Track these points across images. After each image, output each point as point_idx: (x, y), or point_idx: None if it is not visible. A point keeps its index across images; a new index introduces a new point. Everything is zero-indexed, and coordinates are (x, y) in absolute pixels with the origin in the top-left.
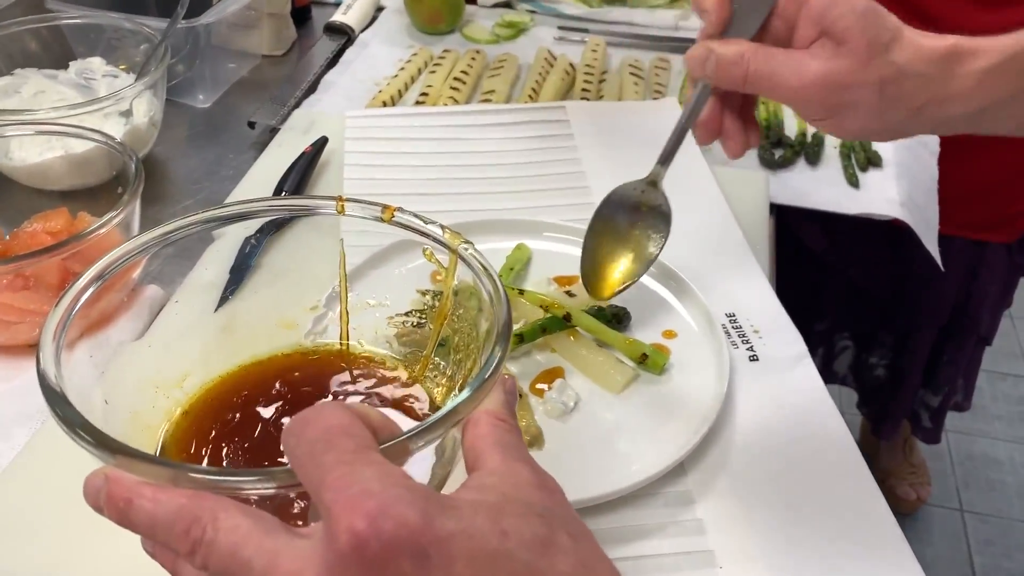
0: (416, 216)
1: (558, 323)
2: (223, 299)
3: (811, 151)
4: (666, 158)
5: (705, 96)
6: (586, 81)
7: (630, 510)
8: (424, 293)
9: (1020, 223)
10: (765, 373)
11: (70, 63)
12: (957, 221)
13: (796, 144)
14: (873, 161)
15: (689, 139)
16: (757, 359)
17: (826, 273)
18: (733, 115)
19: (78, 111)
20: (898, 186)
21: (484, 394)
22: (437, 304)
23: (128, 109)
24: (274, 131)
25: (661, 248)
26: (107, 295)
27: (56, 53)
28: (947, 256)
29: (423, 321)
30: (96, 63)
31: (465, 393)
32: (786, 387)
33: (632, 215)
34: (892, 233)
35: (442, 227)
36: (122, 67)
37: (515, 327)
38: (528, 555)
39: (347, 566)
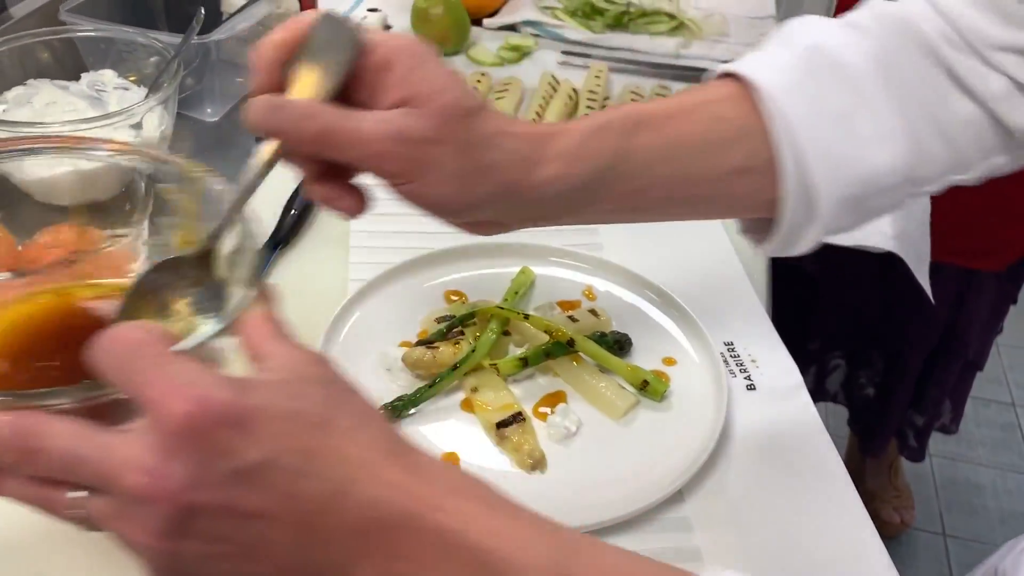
0: None
1: (561, 348)
2: None
3: None
4: (217, 233)
5: (270, 163)
6: (589, 107)
7: (629, 535)
8: (440, 320)
9: (1009, 252)
10: (762, 402)
11: (82, 75)
12: (947, 248)
13: None
14: None
15: None
16: (754, 388)
17: (819, 294)
18: (330, 181)
19: (90, 125)
20: (892, 219)
21: (257, 300)
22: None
23: (139, 122)
24: None
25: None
26: None
27: (68, 64)
28: (937, 282)
29: (436, 346)
30: (108, 75)
31: (241, 303)
32: (782, 417)
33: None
34: (884, 258)
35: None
36: (131, 78)
37: (519, 351)
38: (318, 409)
39: (181, 442)
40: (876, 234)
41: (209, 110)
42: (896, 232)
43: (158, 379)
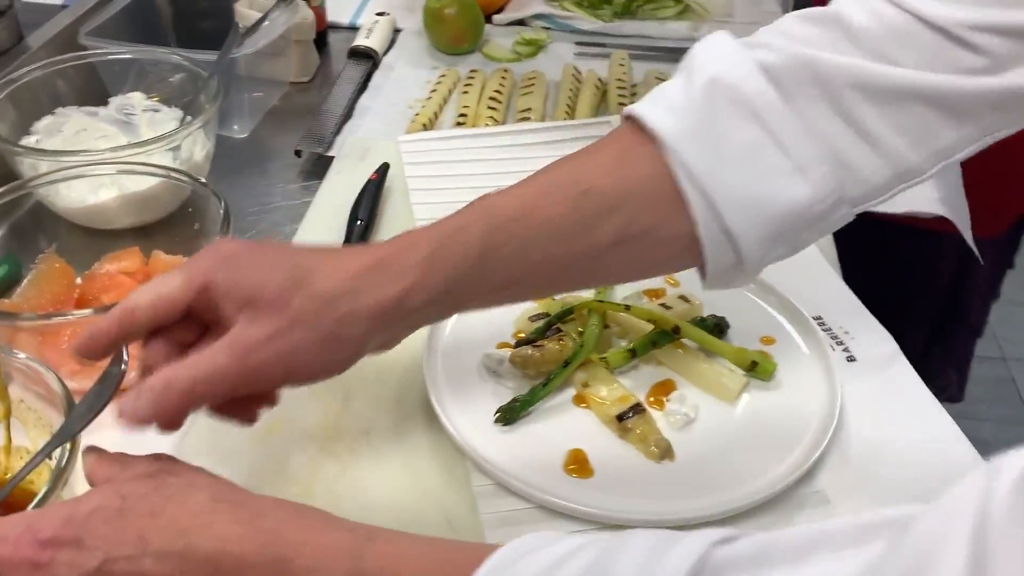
0: None
1: (667, 336)
2: None
3: None
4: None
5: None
6: (620, 95)
7: (768, 516)
8: (534, 319)
9: (1008, 216)
10: (864, 373)
11: (110, 99)
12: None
13: None
14: None
15: None
16: (855, 359)
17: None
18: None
19: (135, 151)
20: (935, 184)
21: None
22: (554, 329)
23: (178, 145)
24: (320, 158)
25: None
26: None
27: (91, 89)
28: (938, 254)
29: (541, 345)
30: (136, 98)
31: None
32: (887, 385)
33: None
34: (889, 235)
35: None
36: (155, 98)
37: (623, 343)
38: (144, 502)
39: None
40: (923, 200)
41: (236, 126)
42: (942, 196)
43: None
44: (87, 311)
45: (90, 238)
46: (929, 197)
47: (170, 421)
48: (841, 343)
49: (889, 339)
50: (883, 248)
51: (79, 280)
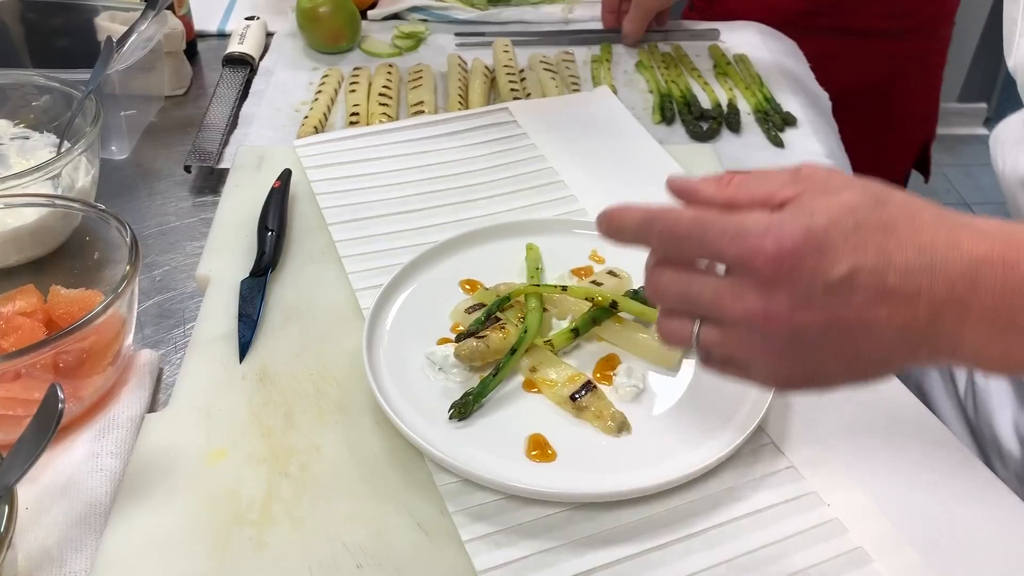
0: None
1: (606, 312)
2: (243, 348)
3: (731, 120)
4: None
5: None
6: (511, 81)
7: (727, 473)
8: (470, 311)
9: (896, 171)
10: None
11: None
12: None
13: (716, 115)
14: (788, 121)
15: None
16: None
17: None
18: None
19: (14, 183)
20: (817, 140)
21: None
22: (493, 318)
23: (58, 174)
24: (212, 172)
25: None
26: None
27: None
28: None
29: (484, 335)
30: (2, 126)
31: None
32: None
33: None
34: None
35: None
36: (20, 124)
37: (565, 322)
38: (873, 215)
39: (777, 278)
40: (809, 156)
41: (114, 148)
42: (826, 152)
43: (736, 235)
44: None
45: None
46: (815, 153)
47: None
48: None
49: None
50: None
51: None
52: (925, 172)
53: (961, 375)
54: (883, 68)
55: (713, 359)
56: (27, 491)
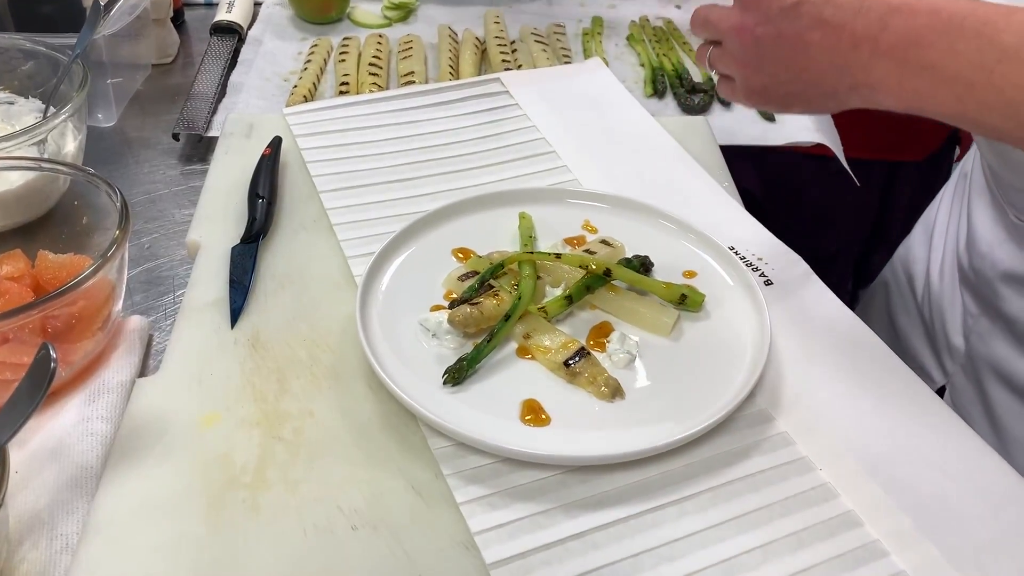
0: None
1: (600, 280)
2: (235, 314)
3: None
4: None
5: None
6: (502, 52)
7: (720, 439)
8: (463, 278)
9: (928, 142)
10: (783, 295)
11: None
12: (872, 145)
13: (708, 88)
14: None
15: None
16: (772, 283)
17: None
18: None
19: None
20: (808, 116)
21: None
22: (486, 285)
23: (43, 139)
24: (200, 140)
25: None
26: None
27: None
28: (866, 178)
29: (478, 302)
30: None
31: None
32: (805, 302)
33: None
34: (814, 167)
35: None
36: (5, 89)
37: (558, 290)
38: None
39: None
40: (801, 130)
41: (100, 115)
42: (817, 126)
43: None
44: None
45: None
46: (806, 127)
47: None
48: (757, 269)
49: (800, 261)
50: (811, 182)
51: None
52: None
53: (920, 282)
54: None
55: (721, 80)
56: (16, 455)
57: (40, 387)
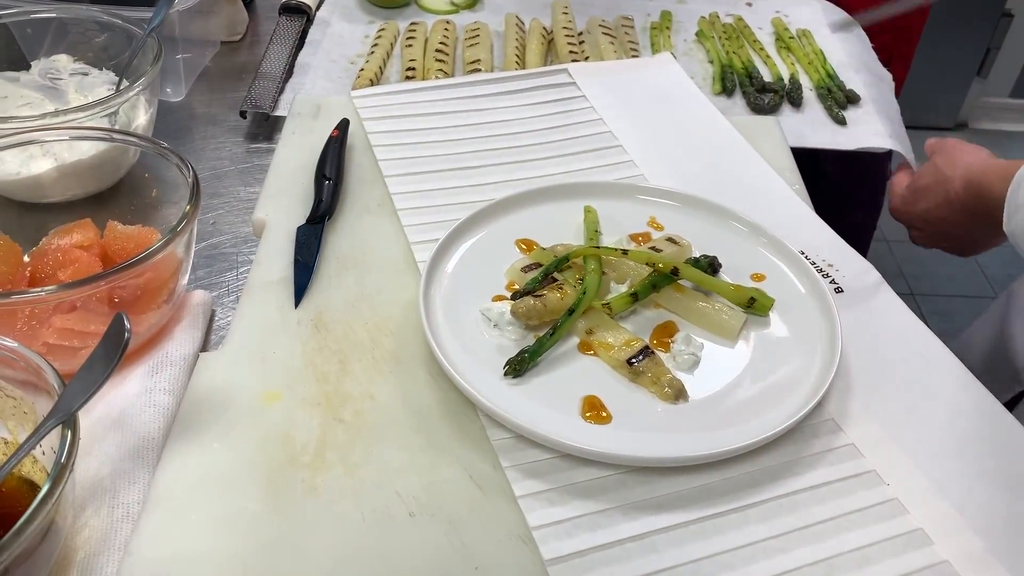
0: None
1: (666, 278)
2: (299, 294)
3: (793, 95)
4: None
5: None
6: (569, 43)
7: (786, 447)
8: (526, 270)
9: None
10: (853, 303)
11: (32, 63)
12: None
13: (779, 89)
14: (851, 99)
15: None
16: (842, 291)
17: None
18: None
19: (69, 117)
20: (880, 120)
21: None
22: (549, 278)
23: (115, 111)
24: (267, 118)
25: None
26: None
27: (4, 53)
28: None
29: (541, 294)
30: (62, 61)
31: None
32: (876, 313)
33: None
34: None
35: None
36: (80, 60)
37: (622, 287)
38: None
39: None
40: (872, 135)
41: (169, 89)
42: (889, 131)
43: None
44: (52, 287)
45: (31, 213)
46: (878, 132)
47: None
48: (827, 276)
49: (872, 269)
50: (858, 179)
51: (27, 258)
52: None
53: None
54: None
55: (917, 240)
56: (81, 423)
57: (113, 356)
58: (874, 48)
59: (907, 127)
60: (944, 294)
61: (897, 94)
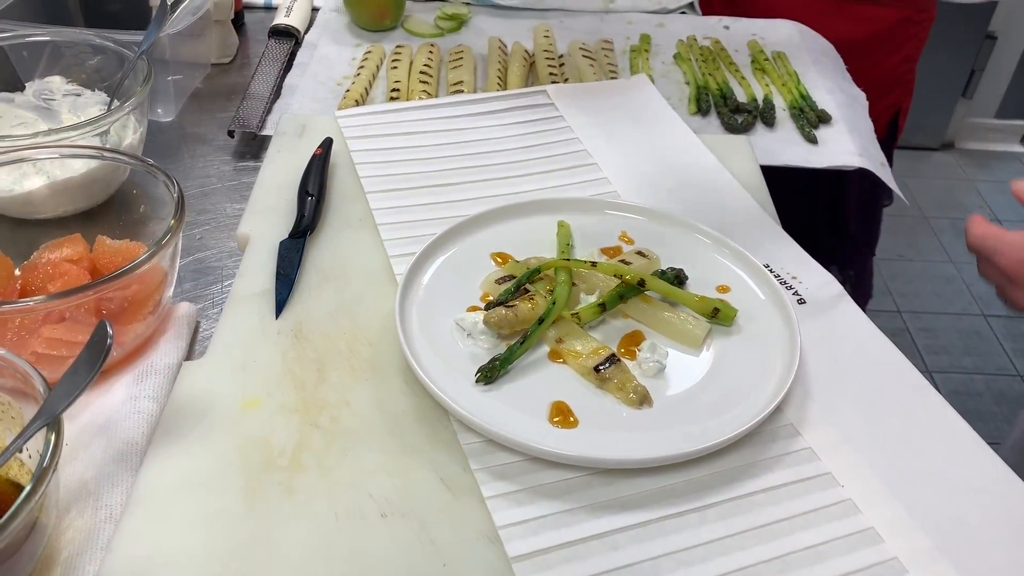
0: None
1: (633, 289)
2: (280, 305)
3: (766, 114)
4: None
5: None
6: (550, 66)
7: (745, 450)
8: (500, 281)
9: None
10: (815, 313)
11: (27, 84)
12: None
13: (753, 109)
14: (823, 119)
15: (680, 117)
16: (804, 302)
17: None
18: None
19: (58, 136)
20: (851, 139)
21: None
22: (522, 290)
23: (106, 130)
24: (253, 138)
25: None
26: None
27: (1, 75)
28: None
29: (513, 305)
30: (56, 82)
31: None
32: (836, 322)
33: None
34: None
35: None
36: (73, 82)
37: (592, 298)
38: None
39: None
40: (843, 154)
41: (160, 110)
42: (859, 150)
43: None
44: (40, 298)
45: (23, 228)
46: (848, 151)
47: None
48: (790, 287)
49: (833, 281)
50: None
51: (18, 272)
52: (892, 143)
53: None
54: (862, 29)
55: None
56: (67, 429)
57: (96, 361)
58: (876, 76)
59: (896, 147)
60: (931, 311)
61: (901, 121)
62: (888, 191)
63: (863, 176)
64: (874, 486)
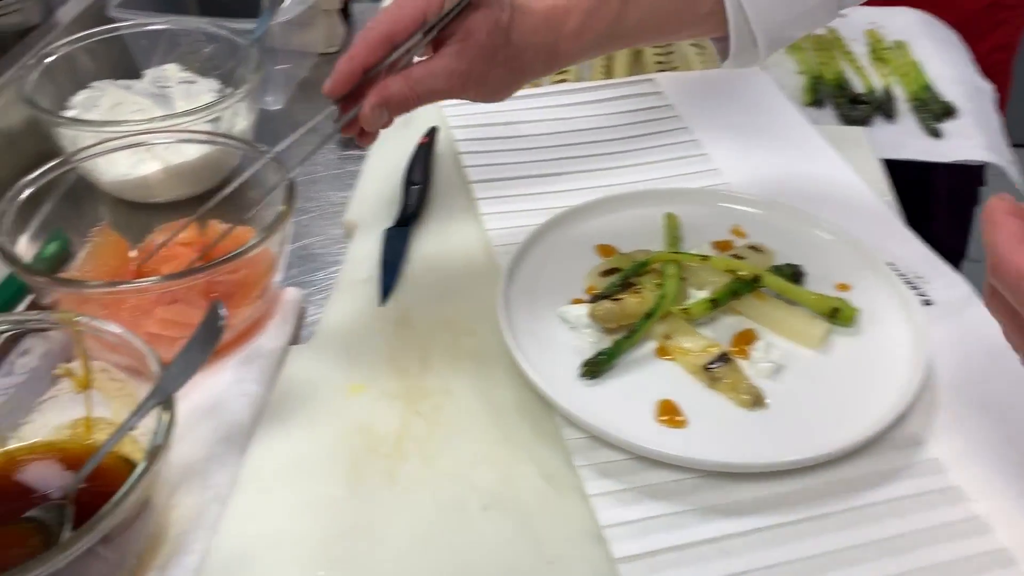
0: None
1: (747, 286)
2: (385, 293)
3: (886, 106)
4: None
5: None
6: (656, 54)
7: (865, 458)
8: (605, 274)
9: None
10: (943, 316)
11: (144, 72)
12: None
13: (870, 100)
14: (948, 111)
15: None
16: (931, 303)
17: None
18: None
19: (173, 122)
20: (978, 133)
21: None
22: (628, 282)
23: (217, 117)
24: None
25: None
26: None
27: (116, 63)
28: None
29: (620, 298)
30: (171, 70)
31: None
32: (965, 326)
33: None
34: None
35: None
36: (188, 70)
37: (702, 292)
38: None
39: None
40: (969, 147)
41: (269, 98)
42: (986, 144)
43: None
44: (155, 278)
45: (139, 211)
46: (975, 145)
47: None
48: (916, 287)
49: (962, 282)
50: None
51: (134, 254)
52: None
53: None
54: (942, 15)
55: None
56: (177, 409)
57: (210, 342)
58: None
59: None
60: None
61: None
62: (974, 193)
63: (951, 172)
64: (1007, 503)
